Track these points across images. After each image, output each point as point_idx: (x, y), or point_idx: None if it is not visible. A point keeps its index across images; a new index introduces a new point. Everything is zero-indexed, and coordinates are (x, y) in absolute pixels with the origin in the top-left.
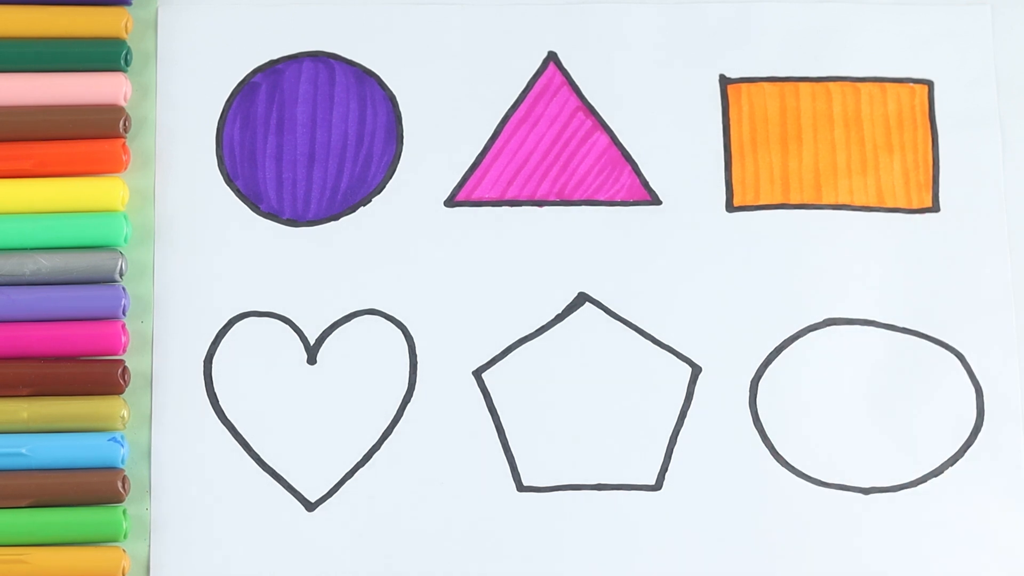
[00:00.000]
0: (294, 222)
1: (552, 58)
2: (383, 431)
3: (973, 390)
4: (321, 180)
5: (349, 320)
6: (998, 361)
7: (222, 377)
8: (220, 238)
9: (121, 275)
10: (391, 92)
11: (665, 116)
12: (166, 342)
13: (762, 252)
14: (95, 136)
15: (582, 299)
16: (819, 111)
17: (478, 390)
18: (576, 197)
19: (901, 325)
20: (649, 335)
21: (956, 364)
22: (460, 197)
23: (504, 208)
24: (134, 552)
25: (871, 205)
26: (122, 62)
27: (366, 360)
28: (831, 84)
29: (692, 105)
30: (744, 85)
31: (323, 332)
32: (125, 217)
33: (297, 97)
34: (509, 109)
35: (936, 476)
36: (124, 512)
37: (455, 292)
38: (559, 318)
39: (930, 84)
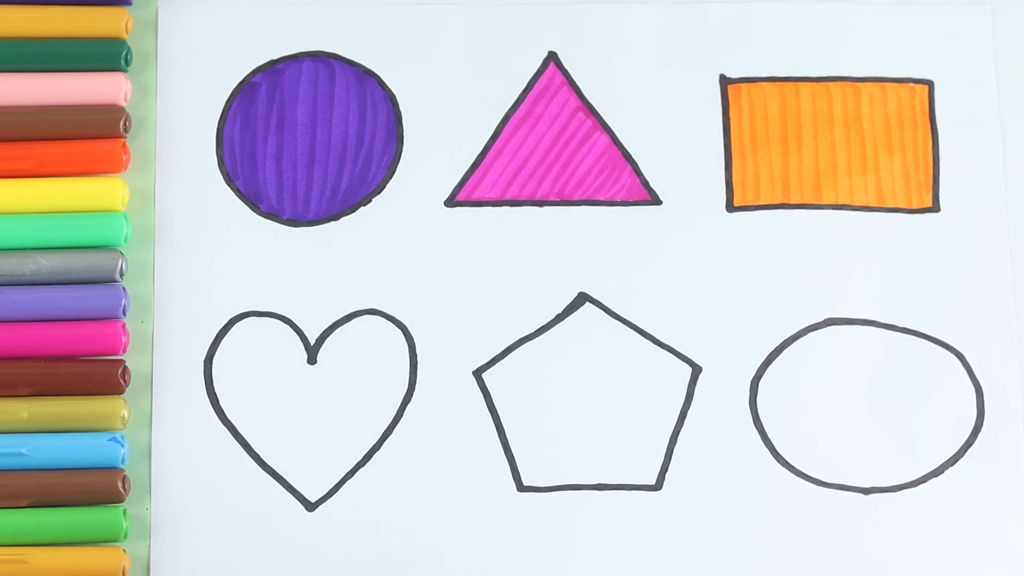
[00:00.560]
0: (294, 222)
1: (552, 58)
2: (383, 431)
3: (973, 390)
4: (321, 180)
5: (349, 320)
6: (998, 361)
7: (222, 377)
8: (220, 238)
9: (121, 275)
10: (391, 92)
11: (665, 116)
12: (166, 342)
13: (762, 252)
14: (95, 136)
15: (582, 299)
16: (819, 111)
17: (478, 390)
18: (576, 197)
19: (901, 325)
20: (649, 335)
21: (956, 364)
22: (460, 197)
23: (504, 208)
24: (134, 552)
25: (871, 205)
26: (122, 62)
27: (366, 360)
28: (831, 84)
29: (692, 105)
30: (744, 85)
31: (323, 332)
32: (125, 217)
33: (297, 97)
34: (509, 109)
35: (936, 476)
36: (124, 512)
37: (455, 292)
38: (559, 318)
39: (930, 84)
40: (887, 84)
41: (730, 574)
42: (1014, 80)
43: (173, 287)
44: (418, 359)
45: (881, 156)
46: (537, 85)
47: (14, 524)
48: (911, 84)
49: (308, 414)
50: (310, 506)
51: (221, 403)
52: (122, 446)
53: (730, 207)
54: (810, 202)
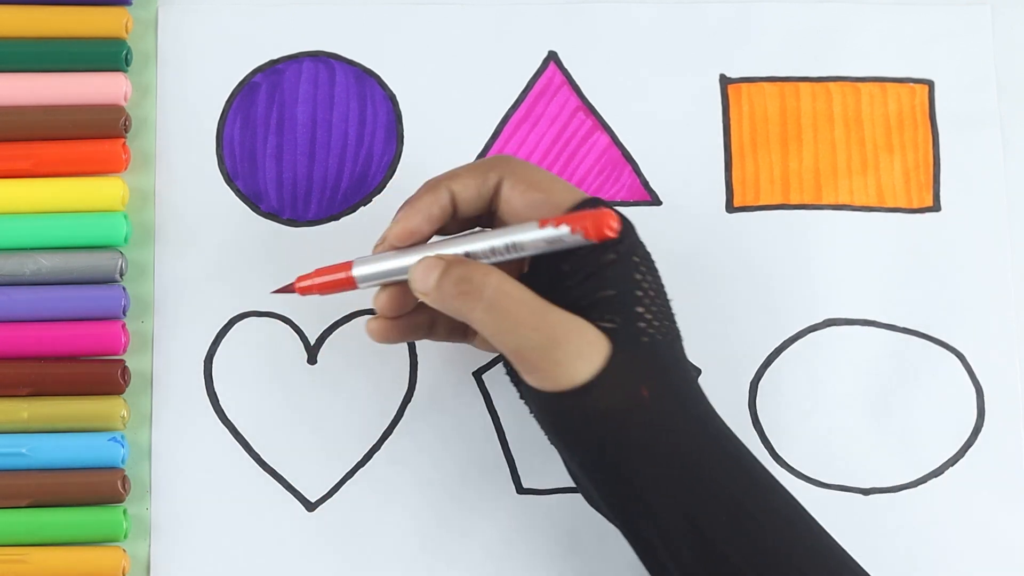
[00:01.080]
0: (294, 222)
1: (552, 58)
2: (383, 431)
3: (973, 390)
4: (321, 180)
5: (349, 320)
6: (998, 361)
7: (222, 377)
8: (220, 238)
9: (121, 275)
10: (391, 92)
11: (665, 116)
12: (166, 342)
13: (762, 252)
14: (95, 136)
15: None
16: (819, 111)
17: (478, 391)
18: None
19: (901, 325)
20: None
21: (956, 364)
22: None
23: None
24: (134, 552)
25: (871, 205)
26: (122, 62)
27: (366, 360)
28: (831, 84)
29: (692, 105)
30: (744, 85)
31: (323, 332)
32: (125, 217)
33: (297, 97)
34: (509, 109)
35: (936, 476)
36: (124, 512)
37: None
38: None
39: (930, 84)
40: (887, 84)
41: None
42: (1014, 80)
43: (173, 287)
44: (418, 359)
45: (881, 156)
46: (537, 85)
47: (14, 524)
48: (911, 84)
49: (308, 414)
50: (310, 506)
51: (221, 403)
52: (122, 446)
53: (730, 207)
54: (810, 202)
